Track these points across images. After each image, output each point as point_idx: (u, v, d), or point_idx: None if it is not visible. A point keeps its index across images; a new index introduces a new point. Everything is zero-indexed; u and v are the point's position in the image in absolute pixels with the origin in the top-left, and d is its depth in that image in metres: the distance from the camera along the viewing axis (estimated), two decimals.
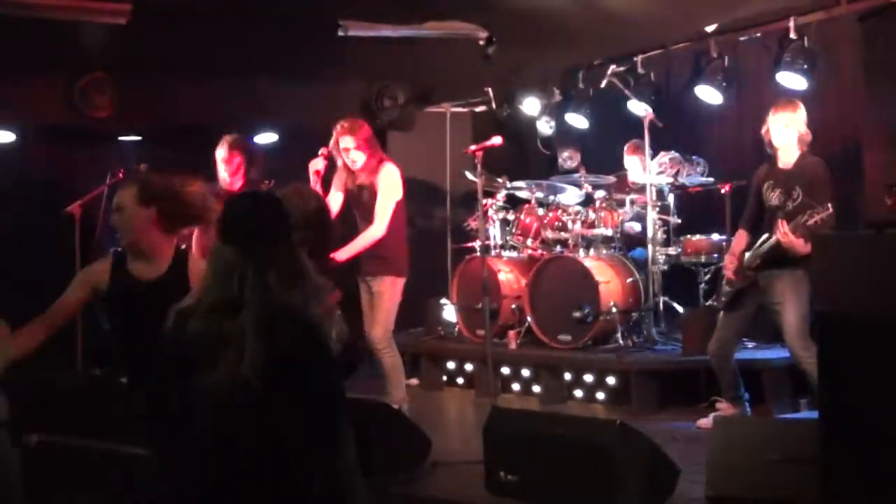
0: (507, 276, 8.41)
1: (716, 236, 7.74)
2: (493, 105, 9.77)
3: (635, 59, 8.73)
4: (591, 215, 8.15)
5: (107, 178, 9.05)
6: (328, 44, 7.65)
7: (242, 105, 9.63)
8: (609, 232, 8.11)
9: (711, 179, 8.04)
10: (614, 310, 7.61)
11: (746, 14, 8.04)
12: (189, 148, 9.16)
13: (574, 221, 8.20)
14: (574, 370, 7.67)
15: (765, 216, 6.29)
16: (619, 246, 8.27)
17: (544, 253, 8.28)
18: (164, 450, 3.04)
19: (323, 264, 4.02)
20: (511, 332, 8.17)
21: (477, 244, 8.31)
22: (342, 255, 6.35)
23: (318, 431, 2.89)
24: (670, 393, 7.21)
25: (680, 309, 7.96)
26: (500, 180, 8.64)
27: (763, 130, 6.32)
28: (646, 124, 7.98)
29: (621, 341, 7.61)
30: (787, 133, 6.19)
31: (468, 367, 8.41)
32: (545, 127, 9.79)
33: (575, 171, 8.93)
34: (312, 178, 6.55)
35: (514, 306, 8.27)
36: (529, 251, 8.50)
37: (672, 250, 7.94)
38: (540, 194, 8.61)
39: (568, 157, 9.24)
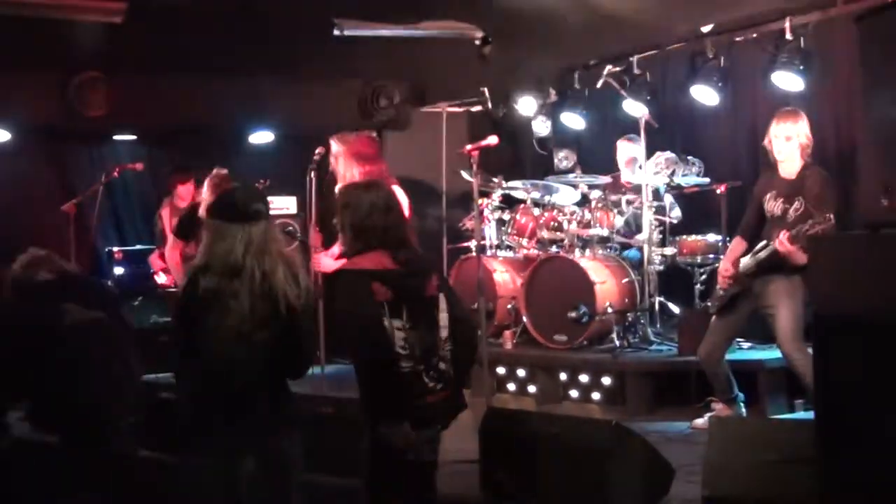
0: (502, 276, 8.41)
1: (711, 237, 7.73)
2: (489, 105, 9.75)
3: (631, 59, 8.72)
4: (587, 215, 8.14)
5: (101, 176, 9.06)
6: (324, 43, 7.65)
7: (238, 104, 9.63)
8: (605, 232, 8.11)
9: (707, 180, 8.03)
10: (610, 310, 7.61)
11: (742, 14, 8.04)
12: (184, 147, 9.19)
13: (570, 222, 8.19)
14: (570, 370, 7.66)
15: (765, 226, 6.28)
16: (614, 246, 8.27)
17: (540, 253, 8.28)
18: (183, 371, 4.23)
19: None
20: (507, 332, 8.16)
21: (472, 244, 8.30)
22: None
23: (288, 362, 4.13)
24: (666, 393, 7.20)
25: (676, 309, 7.96)
26: (495, 180, 8.64)
27: (765, 141, 6.31)
28: (641, 124, 7.98)
29: (617, 342, 7.60)
30: (788, 146, 6.18)
31: None
32: (541, 127, 9.77)
33: (571, 171, 8.92)
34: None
35: (509, 306, 8.27)
36: (525, 251, 8.50)
37: (668, 250, 7.94)
38: (536, 194, 8.59)
39: (564, 158, 9.23)
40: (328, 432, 5.16)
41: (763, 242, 6.17)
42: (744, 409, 6.50)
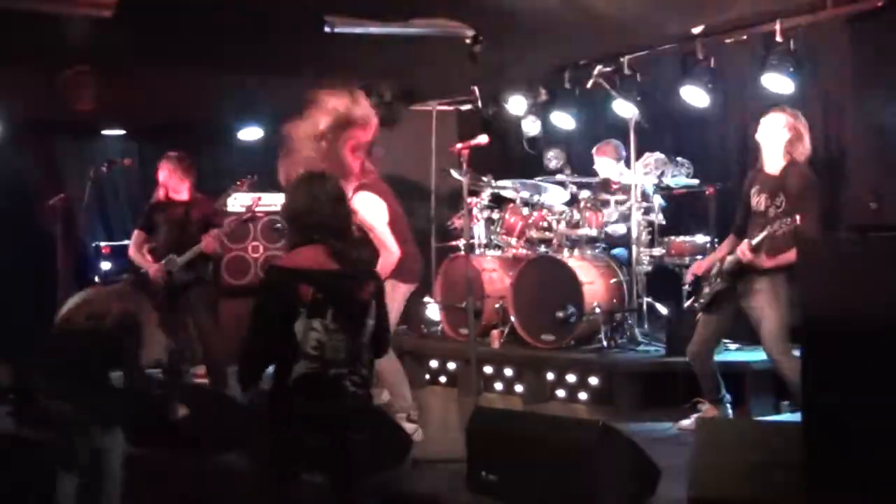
0: (491, 276, 8.41)
1: (700, 238, 7.74)
2: (479, 104, 9.75)
3: (622, 59, 8.72)
4: (576, 215, 8.15)
5: (90, 171, 9.02)
6: (314, 40, 7.62)
7: (227, 100, 9.60)
8: (593, 232, 8.11)
9: (696, 181, 8.04)
10: (598, 310, 7.62)
11: (733, 16, 8.04)
12: (173, 142, 9.13)
13: (559, 221, 8.21)
14: (557, 370, 7.67)
15: (750, 221, 6.29)
16: (603, 246, 8.27)
17: (528, 253, 8.28)
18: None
19: None
20: (494, 332, 8.17)
21: (461, 243, 8.29)
22: None
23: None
24: (653, 394, 7.20)
25: (663, 310, 7.96)
26: (485, 179, 8.64)
27: (757, 134, 6.34)
28: (631, 125, 7.98)
29: (604, 342, 7.61)
30: (769, 137, 6.20)
31: (451, 365, 8.40)
32: (531, 126, 9.77)
33: (560, 171, 8.92)
34: None
35: (497, 305, 8.26)
36: (514, 251, 8.49)
37: (656, 251, 7.94)
38: (525, 194, 8.60)
39: (553, 157, 9.22)
40: None
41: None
42: (730, 411, 6.50)
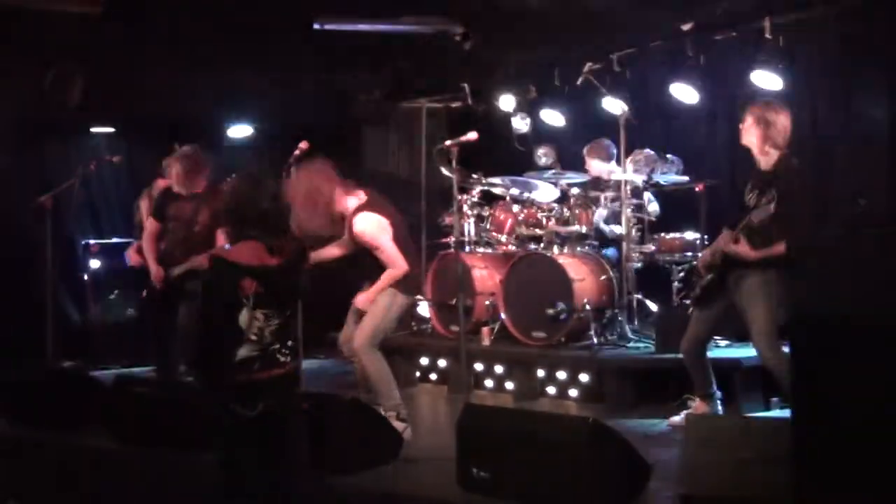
0: (481, 273, 8.41)
1: (690, 234, 7.74)
2: (469, 101, 9.74)
3: (611, 56, 8.72)
4: (566, 212, 8.15)
5: (78, 169, 9.00)
6: (304, 37, 7.62)
7: (216, 98, 9.59)
8: (583, 229, 8.11)
9: (686, 178, 8.05)
10: (588, 307, 7.62)
11: (722, 13, 8.05)
12: (162, 140, 9.11)
13: (549, 218, 8.21)
14: (547, 367, 7.67)
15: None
16: (593, 243, 8.27)
17: (519, 250, 8.28)
18: None
19: None
20: (485, 329, 8.16)
21: (451, 240, 8.28)
22: (364, 300, 6.43)
23: None
24: (643, 391, 7.20)
25: (653, 307, 7.96)
26: (475, 176, 8.63)
27: None
28: (621, 122, 7.98)
29: (595, 339, 7.61)
30: (747, 138, 6.19)
31: (441, 363, 8.40)
32: (521, 123, 9.76)
33: (550, 168, 8.92)
34: None
35: (487, 302, 8.26)
36: (504, 248, 8.49)
37: (646, 248, 7.95)
38: (515, 191, 8.59)
39: (543, 154, 9.22)
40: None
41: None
42: (720, 407, 6.50)
